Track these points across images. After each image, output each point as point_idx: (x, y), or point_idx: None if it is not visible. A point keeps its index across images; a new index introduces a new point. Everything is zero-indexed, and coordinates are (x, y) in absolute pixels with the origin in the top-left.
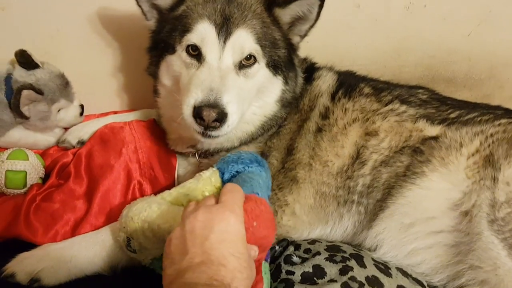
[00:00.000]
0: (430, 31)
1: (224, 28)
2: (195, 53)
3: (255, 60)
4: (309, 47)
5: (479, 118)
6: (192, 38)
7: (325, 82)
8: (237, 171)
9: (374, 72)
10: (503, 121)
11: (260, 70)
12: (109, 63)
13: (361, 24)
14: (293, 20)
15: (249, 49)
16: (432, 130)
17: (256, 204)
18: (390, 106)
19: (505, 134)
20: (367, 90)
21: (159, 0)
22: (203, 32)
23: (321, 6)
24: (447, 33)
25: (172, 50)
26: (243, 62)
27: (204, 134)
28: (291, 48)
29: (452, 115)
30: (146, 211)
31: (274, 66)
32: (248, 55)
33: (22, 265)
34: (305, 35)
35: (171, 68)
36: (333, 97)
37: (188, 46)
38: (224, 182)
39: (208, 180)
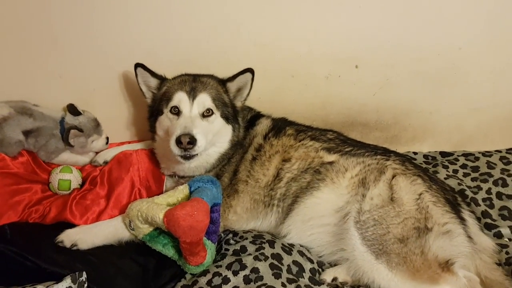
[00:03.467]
0: (345, 92)
1: (192, 93)
2: (176, 111)
3: (213, 112)
4: (263, 102)
5: (364, 153)
6: (173, 102)
7: (261, 127)
8: (198, 186)
9: (308, 118)
10: (379, 157)
11: (217, 118)
12: (126, 110)
13: (296, 87)
14: (238, 89)
15: (208, 105)
16: (330, 157)
17: (197, 202)
18: (302, 142)
19: (377, 165)
20: (290, 131)
21: (150, 82)
22: (179, 98)
23: (252, 79)
24: (358, 93)
25: (162, 113)
26: (204, 113)
27: (184, 157)
28: (236, 110)
29: (347, 149)
30: (139, 205)
31: (226, 118)
32: (207, 109)
33: (67, 236)
34: (245, 100)
35: (162, 123)
36: (265, 137)
37: (171, 107)
38: (190, 192)
39: (181, 191)
